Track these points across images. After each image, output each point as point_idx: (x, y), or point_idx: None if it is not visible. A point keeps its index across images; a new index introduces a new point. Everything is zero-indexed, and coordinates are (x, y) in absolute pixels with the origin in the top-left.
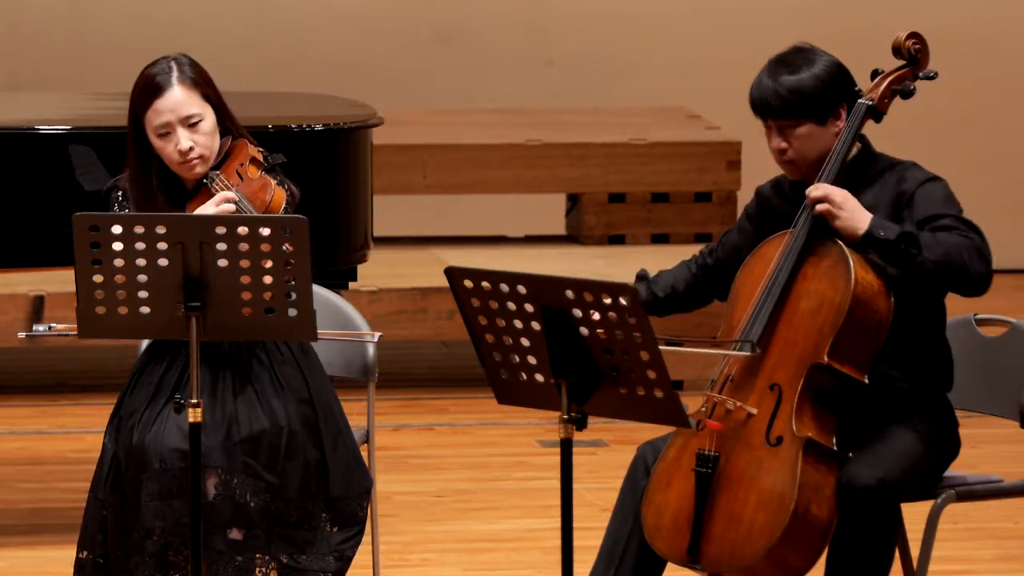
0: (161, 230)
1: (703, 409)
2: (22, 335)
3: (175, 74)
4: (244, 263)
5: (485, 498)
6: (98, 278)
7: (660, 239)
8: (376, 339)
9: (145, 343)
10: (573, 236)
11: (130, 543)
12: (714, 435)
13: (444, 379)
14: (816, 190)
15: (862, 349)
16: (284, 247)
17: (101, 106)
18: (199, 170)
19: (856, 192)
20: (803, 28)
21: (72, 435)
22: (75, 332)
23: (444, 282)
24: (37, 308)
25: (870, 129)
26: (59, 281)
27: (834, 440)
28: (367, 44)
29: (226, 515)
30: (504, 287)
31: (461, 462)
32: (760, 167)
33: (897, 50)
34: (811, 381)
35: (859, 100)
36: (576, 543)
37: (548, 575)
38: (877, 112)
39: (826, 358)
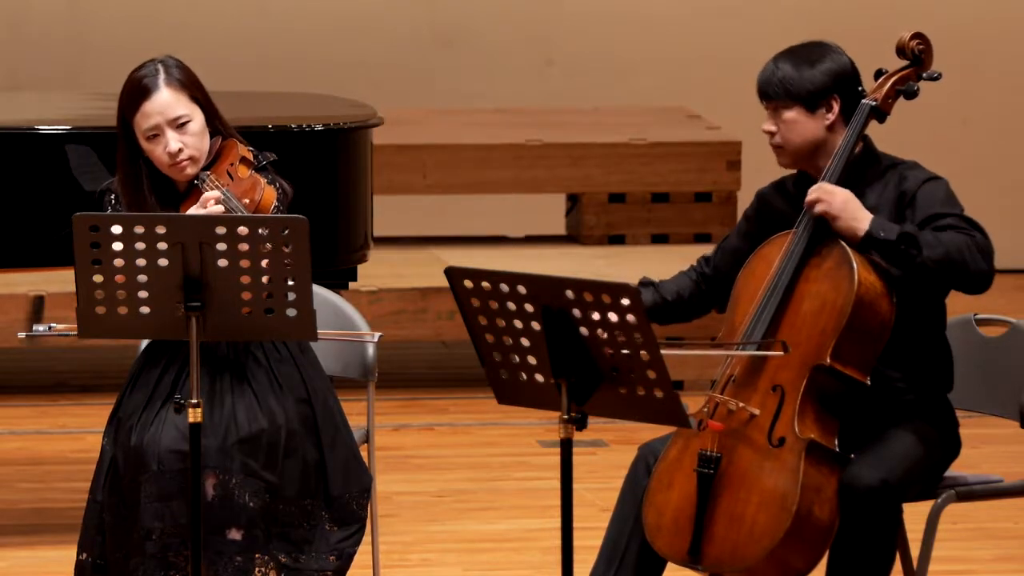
0: (161, 230)
1: (705, 409)
2: (22, 335)
3: (162, 76)
4: (244, 263)
5: (485, 498)
6: (98, 278)
7: (660, 239)
8: (376, 339)
9: (144, 344)
10: (573, 236)
11: (129, 544)
12: (716, 436)
13: (444, 379)
14: (814, 191)
15: (864, 351)
16: (284, 247)
17: (101, 106)
18: (190, 171)
19: (858, 191)
20: (803, 28)
21: (72, 435)
22: (75, 332)
23: (444, 282)
24: (37, 308)
25: (871, 129)
26: (59, 281)
27: (836, 441)
28: (367, 44)
29: (225, 515)
30: (504, 287)
31: (461, 462)
32: (760, 167)
33: (901, 50)
34: (814, 382)
35: (863, 100)
36: (576, 543)
37: (548, 575)
38: (881, 112)
39: (829, 359)
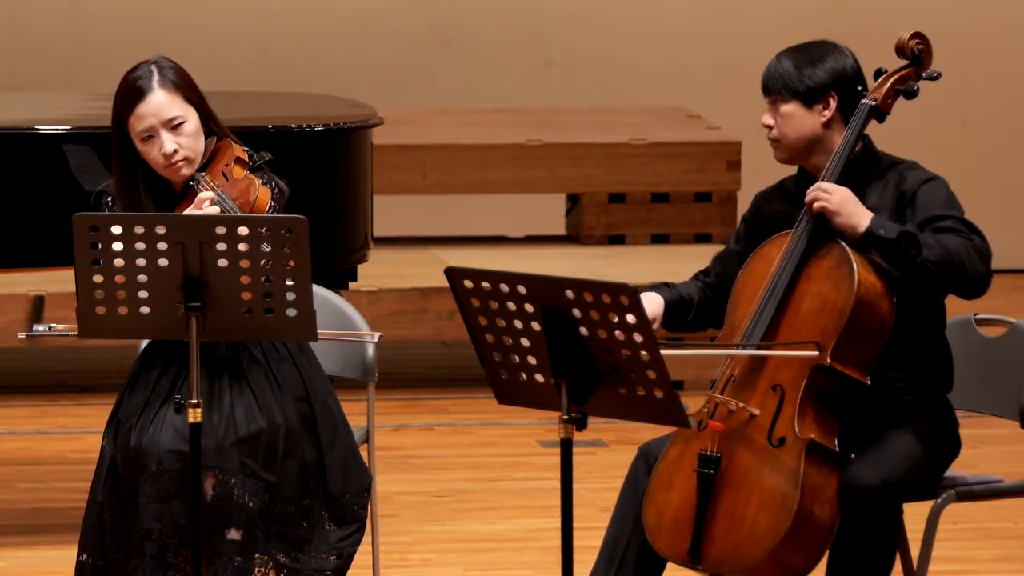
0: (161, 230)
1: (705, 410)
2: (22, 335)
3: (156, 78)
4: (244, 263)
5: (485, 498)
6: (98, 278)
7: (660, 239)
8: (376, 339)
9: (143, 345)
10: (573, 236)
11: (129, 545)
12: (716, 436)
13: (444, 379)
14: (813, 190)
15: (864, 351)
16: (284, 247)
17: (101, 106)
18: (185, 172)
19: (859, 191)
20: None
21: (72, 435)
22: (75, 332)
23: (444, 282)
24: (37, 308)
25: (871, 128)
26: (59, 281)
27: (836, 442)
28: (367, 44)
29: (224, 515)
30: (504, 287)
31: (461, 462)
32: (760, 167)
33: (900, 50)
34: (814, 382)
35: (862, 100)
36: (576, 543)
37: (548, 575)
38: (880, 112)
39: (829, 359)
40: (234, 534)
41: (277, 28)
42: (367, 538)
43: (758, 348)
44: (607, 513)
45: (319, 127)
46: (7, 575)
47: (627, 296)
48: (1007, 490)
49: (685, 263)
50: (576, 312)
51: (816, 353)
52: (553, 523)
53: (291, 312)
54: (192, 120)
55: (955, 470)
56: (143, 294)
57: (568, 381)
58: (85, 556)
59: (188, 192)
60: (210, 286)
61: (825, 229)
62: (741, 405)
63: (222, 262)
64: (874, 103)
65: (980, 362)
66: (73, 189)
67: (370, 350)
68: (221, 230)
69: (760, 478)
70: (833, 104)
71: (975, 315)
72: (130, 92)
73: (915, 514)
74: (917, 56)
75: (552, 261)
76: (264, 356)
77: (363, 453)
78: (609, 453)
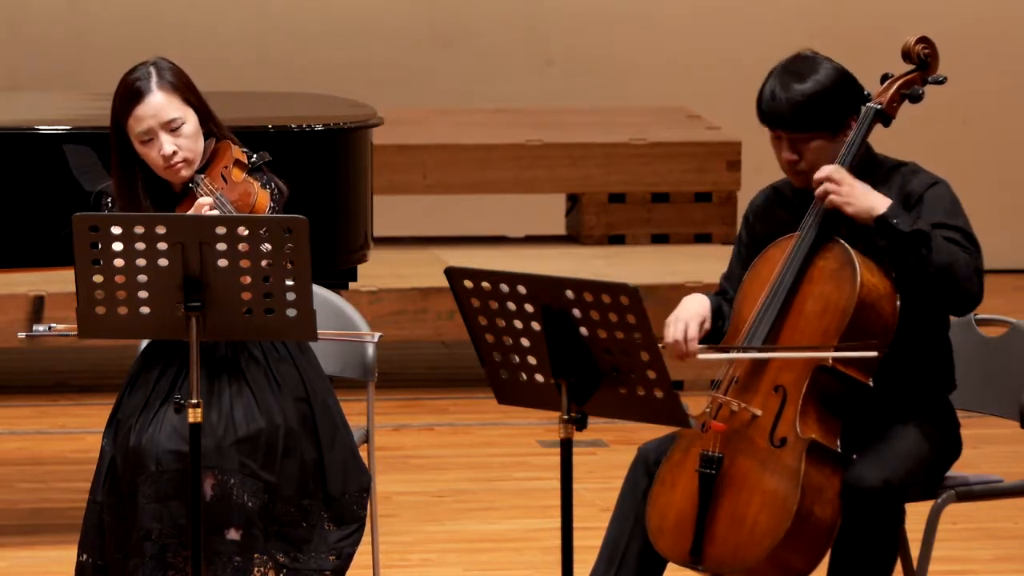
0: (161, 230)
1: (707, 410)
2: (22, 335)
3: (154, 79)
4: (244, 263)
5: (485, 498)
6: (98, 278)
7: (660, 239)
8: (376, 339)
9: (143, 345)
10: (573, 236)
11: (128, 545)
12: (718, 436)
13: (444, 379)
14: (821, 175)
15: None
16: (284, 247)
17: (101, 106)
18: (184, 173)
19: None
20: (804, 28)
21: (72, 435)
22: (75, 332)
23: (444, 282)
24: (37, 308)
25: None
26: (59, 281)
27: (838, 442)
28: (367, 44)
29: (223, 515)
30: (504, 287)
31: (461, 462)
32: (760, 167)
33: (907, 54)
34: (816, 383)
35: (868, 104)
36: (576, 543)
37: (548, 575)
38: (886, 116)
39: (831, 360)
40: (233, 534)
41: (277, 28)
42: (367, 538)
43: (819, 350)
44: (607, 513)
45: (319, 127)
46: (7, 575)
47: (627, 296)
48: (1007, 490)
49: (685, 263)
50: (576, 312)
51: (876, 354)
52: (553, 523)
53: (291, 312)
54: (191, 121)
55: (955, 470)
56: (143, 294)
57: (568, 381)
58: (85, 556)
59: (187, 192)
60: (210, 286)
61: (829, 231)
62: (743, 406)
63: (222, 262)
64: (880, 107)
65: (980, 362)
66: (73, 189)
67: (370, 350)
68: (221, 230)
69: (761, 479)
70: (854, 125)
71: (975, 315)
72: (129, 94)
73: (915, 514)
74: (923, 61)
75: (552, 261)
76: (264, 356)
77: (363, 453)
78: (609, 453)
